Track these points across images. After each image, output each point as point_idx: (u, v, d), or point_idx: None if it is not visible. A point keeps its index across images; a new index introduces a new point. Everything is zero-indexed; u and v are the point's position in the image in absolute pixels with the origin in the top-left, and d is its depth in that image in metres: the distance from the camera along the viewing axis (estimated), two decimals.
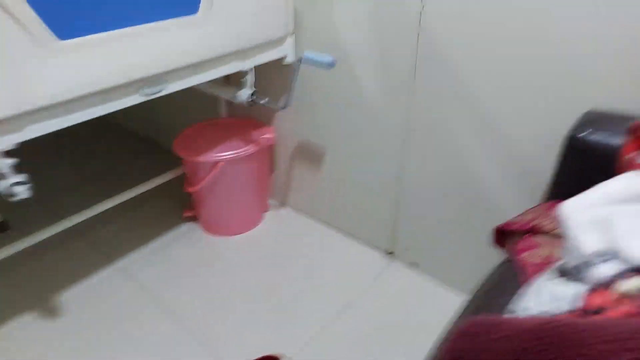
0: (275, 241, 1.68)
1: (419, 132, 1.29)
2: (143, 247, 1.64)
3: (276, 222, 1.78)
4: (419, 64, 1.20)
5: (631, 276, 0.41)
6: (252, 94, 1.31)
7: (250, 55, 1.25)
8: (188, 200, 1.72)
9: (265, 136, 1.57)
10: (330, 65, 1.18)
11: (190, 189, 1.56)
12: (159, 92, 1.06)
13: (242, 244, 1.67)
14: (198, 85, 1.36)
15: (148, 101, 1.05)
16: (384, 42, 1.24)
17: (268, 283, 1.49)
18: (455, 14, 1.08)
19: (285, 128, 1.64)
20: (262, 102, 1.31)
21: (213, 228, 1.70)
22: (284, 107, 1.32)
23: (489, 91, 1.11)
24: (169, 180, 1.70)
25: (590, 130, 0.85)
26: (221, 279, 1.51)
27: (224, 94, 1.39)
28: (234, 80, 1.34)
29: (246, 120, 1.68)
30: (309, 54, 1.21)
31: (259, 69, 1.39)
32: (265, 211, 1.80)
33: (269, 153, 1.64)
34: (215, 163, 1.47)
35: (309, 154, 1.62)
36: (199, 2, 1.06)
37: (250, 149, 1.51)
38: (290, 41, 1.36)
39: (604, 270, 0.42)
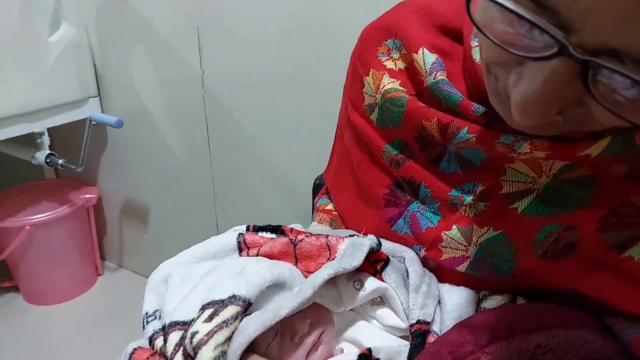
0: (105, 305, 1.60)
1: (223, 184, 1.33)
2: None
3: (109, 285, 1.70)
4: (209, 122, 1.25)
5: (165, 334, 0.42)
6: (49, 156, 1.29)
7: (40, 117, 1.24)
8: (5, 268, 1.60)
9: (85, 196, 1.53)
10: (117, 125, 1.20)
11: (0, 256, 1.46)
12: None
13: (69, 311, 1.58)
14: None
15: None
16: (177, 103, 1.29)
17: (94, 350, 1.40)
18: (233, 77, 1.16)
19: (111, 187, 1.62)
20: (59, 162, 1.29)
21: (35, 297, 1.59)
22: (80, 168, 1.30)
23: (269, 141, 1.18)
24: None
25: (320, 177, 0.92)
26: (43, 351, 1.40)
27: (23, 155, 1.35)
28: (32, 141, 1.31)
29: (70, 181, 1.63)
30: (95, 115, 1.22)
31: (62, 130, 1.38)
32: (99, 274, 1.73)
33: (93, 213, 1.60)
34: (22, 227, 1.40)
35: (136, 213, 1.60)
36: None
37: (64, 210, 1.46)
38: (93, 103, 1.37)
39: (149, 329, 0.44)
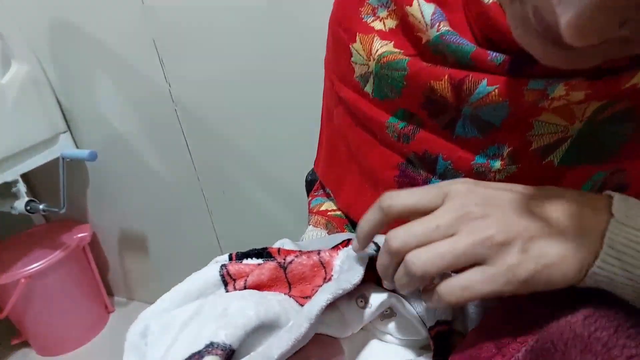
0: (122, 343, 1.54)
1: (215, 196, 1.26)
2: None
3: (123, 321, 1.64)
4: (187, 135, 1.18)
5: None
6: (28, 203, 1.22)
7: (10, 165, 1.17)
8: (12, 325, 1.54)
9: (78, 236, 1.47)
10: (91, 158, 1.13)
11: (0, 316, 1.40)
12: None
13: (86, 356, 1.52)
14: None
15: None
16: (151, 123, 1.22)
17: None
18: (200, 84, 1.08)
19: (103, 222, 1.55)
20: (40, 208, 1.22)
21: (48, 348, 1.53)
22: (63, 209, 1.23)
23: (253, 144, 1.12)
24: None
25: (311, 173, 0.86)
26: None
27: (1, 207, 1.28)
28: (9, 191, 1.24)
29: (60, 223, 1.56)
30: (66, 151, 1.15)
31: (40, 172, 1.31)
32: (110, 312, 1.67)
33: (90, 252, 1.53)
34: (17, 281, 1.33)
35: (134, 243, 1.53)
36: None
37: (58, 254, 1.39)
38: (65, 139, 1.29)
39: None
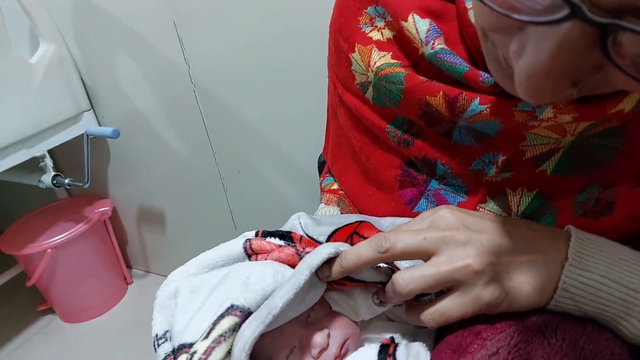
0: (139, 311, 1.62)
1: (230, 175, 1.31)
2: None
3: (140, 292, 1.72)
4: (205, 115, 1.23)
5: (178, 355, 0.40)
6: (55, 177, 1.28)
7: (37, 140, 1.23)
8: (38, 292, 1.63)
9: (100, 210, 1.54)
10: (114, 135, 1.18)
11: (28, 283, 1.48)
12: None
13: (106, 323, 1.60)
14: None
15: None
16: (170, 102, 1.27)
17: (137, 357, 1.42)
18: (219, 65, 1.12)
19: (123, 197, 1.61)
20: (66, 182, 1.28)
21: (71, 315, 1.62)
22: (87, 184, 1.29)
23: (268, 125, 1.16)
24: (18, 274, 1.61)
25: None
26: None
27: (30, 181, 1.34)
28: (36, 165, 1.30)
29: (83, 198, 1.63)
30: (91, 129, 1.20)
31: (65, 148, 1.37)
32: (128, 283, 1.75)
33: (110, 225, 1.60)
34: (44, 251, 1.41)
35: (152, 217, 1.60)
36: None
37: (82, 227, 1.47)
38: (88, 117, 1.35)
39: (160, 353, 0.41)
